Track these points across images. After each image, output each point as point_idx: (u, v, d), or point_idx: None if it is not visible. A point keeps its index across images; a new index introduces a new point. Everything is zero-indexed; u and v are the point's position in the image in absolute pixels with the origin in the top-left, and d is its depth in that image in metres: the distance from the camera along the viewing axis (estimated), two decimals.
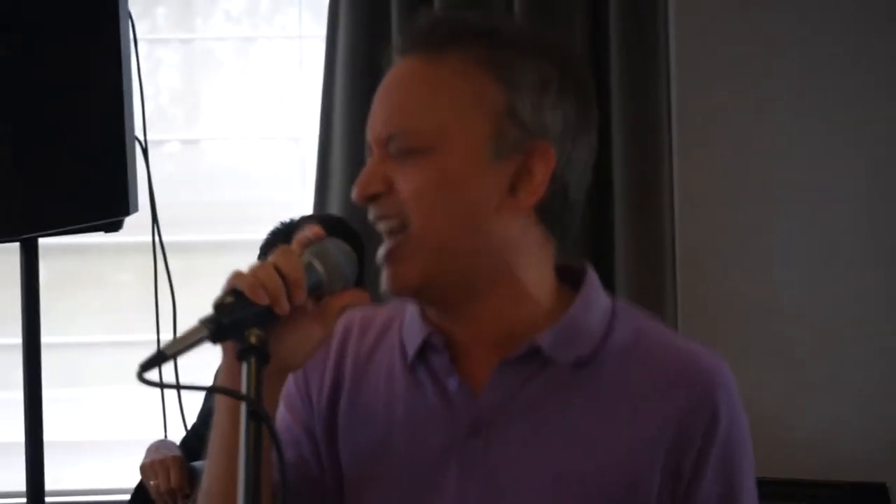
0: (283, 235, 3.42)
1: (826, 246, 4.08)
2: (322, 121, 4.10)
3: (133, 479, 3.43)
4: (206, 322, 1.63)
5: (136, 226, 3.33)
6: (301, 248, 1.72)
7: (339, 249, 1.75)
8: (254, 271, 1.67)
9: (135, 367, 1.57)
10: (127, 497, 3.50)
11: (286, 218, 3.48)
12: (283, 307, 1.65)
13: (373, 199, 1.75)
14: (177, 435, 3.48)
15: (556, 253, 1.83)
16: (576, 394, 1.82)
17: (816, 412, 3.97)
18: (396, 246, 1.75)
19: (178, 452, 3.39)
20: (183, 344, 1.62)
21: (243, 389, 1.60)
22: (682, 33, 4.17)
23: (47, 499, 3.25)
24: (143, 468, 3.35)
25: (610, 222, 4.17)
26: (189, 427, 3.47)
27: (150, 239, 3.44)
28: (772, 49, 4.18)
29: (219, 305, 1.64)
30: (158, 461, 3.33)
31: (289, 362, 1.72)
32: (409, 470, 1.81)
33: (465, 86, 1.76)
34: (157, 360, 1.59)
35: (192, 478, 3.39)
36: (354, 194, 1.76)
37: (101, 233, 3.18)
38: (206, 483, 1.81)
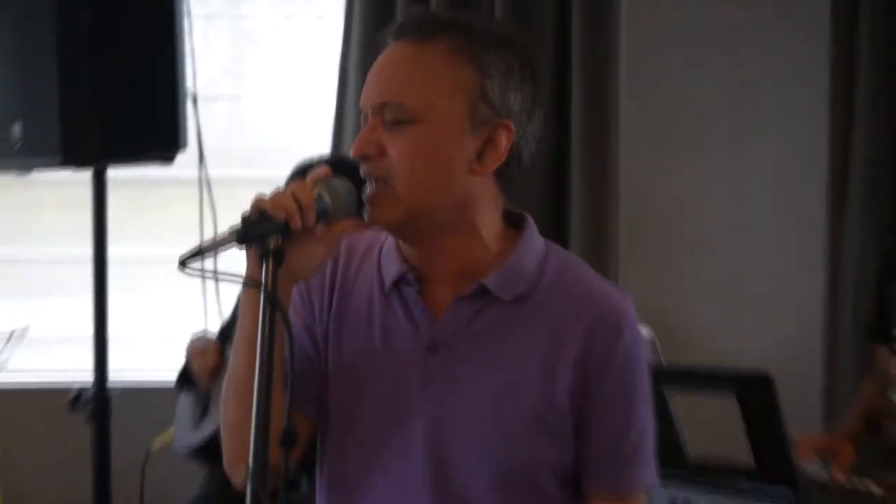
0: (302, 173, 3.41)
1: (741, 193, 4.18)
2: (339, 85, 4.09)
3: (179, 362, 3.41)
4: (235, 229, 1.63)
5: (192, 164, 3.42)
6: (313, 183, 1.71)
7: (343, 186, 1.74)
8: (275, 195, 1.67)
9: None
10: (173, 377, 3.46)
11: (306, 158, 3.48)
12: (297, 224, 1.65)
13: (366, 158, 1.74)
14: (214, 327, 3.48)
15: (504, 203, 1.85)
16: (514, 324, 1.83)
17: (724, 319, 4.10)
18: (380, 194, 1.75)
19: (215, 340, 3.37)
20: (216, 244, 1.62)
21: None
22: (632, 27, 4.19)
23: (110, 380, 3.27)
24: (187, 353, 3.33)
25: (568, 174, 4.19)
26: (224, 319, 3.45)
27: (198, 174, 3.49)
28: (707, 34, 4.25)
29: (246, 218, 1.64)
30: (200, 347, 3.31)
31: (298, 273, 1.72)
32: (381, 376, 1.82)
33: (448, 70, 1.75)
34: (195, 253, 1.59)
35: (225, 359, 3.28)
36: (352, 152, 1.76)
37: (158, 165, 3.21)
38: (231, 368, 1.81)
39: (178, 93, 3.16)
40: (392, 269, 1.82)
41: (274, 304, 1.59)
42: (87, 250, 3.24)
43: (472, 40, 1.76)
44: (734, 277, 4.09)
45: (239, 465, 1.74)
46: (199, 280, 3.46)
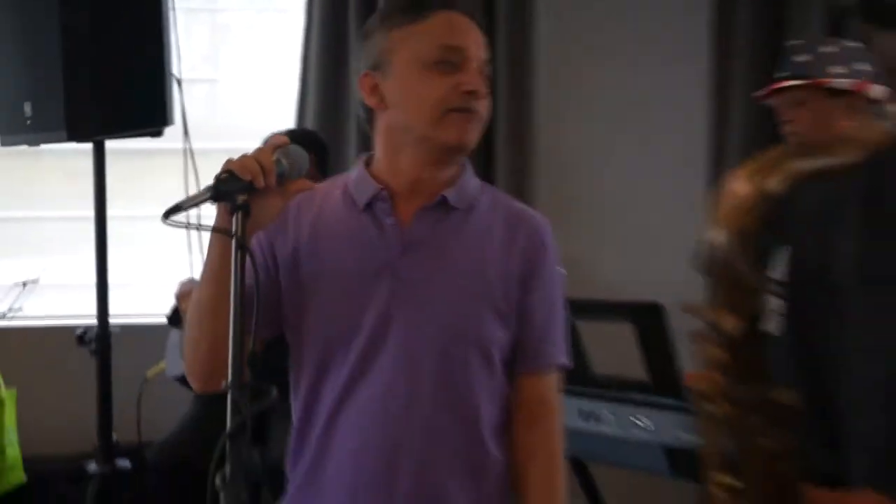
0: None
1: (637, 155, 4.15)
2: (301, 69, 4.08)
3: (169, 304, 3.41)
4: (209, 188, 1.67)
5: (177, 138, 3.39)
6: (273, 149, 1.75)
7: (298, 152, 1.78)
8: (241, 160, 1.71)
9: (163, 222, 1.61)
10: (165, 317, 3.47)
11: (273, 132, 3.47)
12: (260, 184, 1.69)
13: (479, 97, 1.83)
14: (198, 274, 3.47)
15: None
16: (470, 227, 1.90)
17: (624, 260, 4.09)
18: (476, 124, 1.85)
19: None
20: (194, 201, 1.66)
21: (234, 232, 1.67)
22: (548, 16, 4.20)
23: (111, 320, 3.26)
24: (177, 295, 3.33)
25: (493, 142, 4.17)
26: None
27: (183, 146, 3.50)
28: (608, 17, 4.22)
29: (218, 178, 1.68)
30: (187, 290, 3.26)
31: (260, 222, 1.75)
32: (354, 280, 1.85)
33: None
34: (175, 209, 1.64)
35: None
36: (472, 85, 1.82)
37: (149, 137, 3.21)
38: (197, 296, 1.83)
39: (164, 77, 3.15)
40: (367, 191, 1.87)
41: (244, 249, 1.64)
42: (89, 211, 3.23)
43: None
44: (632, 226, 4.08)
45: (195, 371, 1.84)
46: (184, 235, 3.50)
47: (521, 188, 4.10)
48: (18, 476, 3.79)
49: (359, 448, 1.85)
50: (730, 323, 1.07)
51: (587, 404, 2.95)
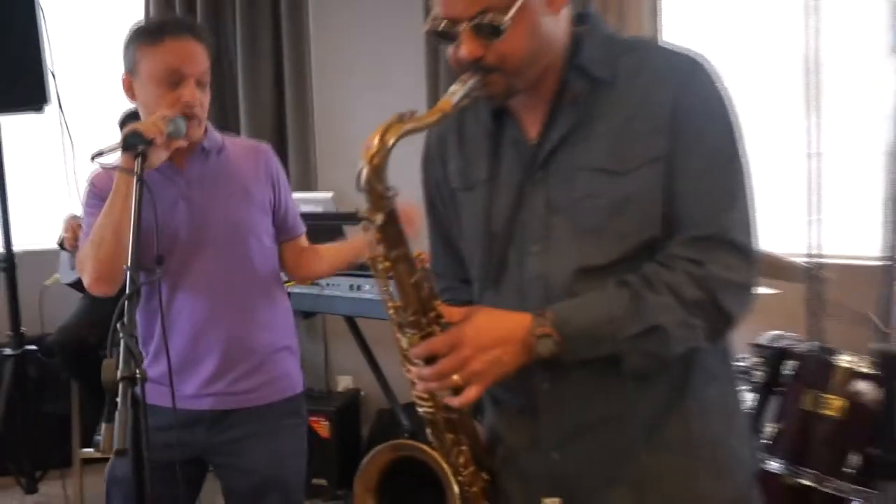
0: (130, 116, 3.41)
1: (385, 103, 3.87)
2: None
3: (58, 233, 3.48)
4: (122, 141, 1.84)
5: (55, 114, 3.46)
6: (163, 119, 1.92)
7: (179, 121, 1.96)
8: (145, 124, 1.90)
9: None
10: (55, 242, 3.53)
11: (127, 109, 3.52)
12: (158, 141, 1.87)
13: (192, 105, 1.99)
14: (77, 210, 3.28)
15: None
16: (226, 161, 2.14)
17: None
18: (196, 123, 2.01)
19: (79, 220, 3.39)
20: (110, 148, 1.83)
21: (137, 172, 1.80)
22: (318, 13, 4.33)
23: (14, 248, 3.51)
24: (63, 227, 3.45)
25: (283, 110, 4.27)
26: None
27: (59, 119, 3.55)
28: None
29: (128, 134, 1.85)
30: (71, 223, 3.42)
31: (151, 166, 1.87)
32: (162, 211, 1.93)
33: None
34: (99, 153, 1.82)
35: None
36: (188, 98, 1.95)
37: (33, 112, 3.43)
38: (110, 217, 1.89)
39: (42, 68, 3.38)
40: (160, 156, 1.94)
41: (142, 183, 1.77)
42: None
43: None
44: None
45: (100, 273, 1.91)
46: (64, 185, 3.57)
47: (301, 141, 4.19)
48: None
49: (195, 307, 2.06)
50: (377, 217, 1.34)
51: (354, 280, 3.32)
